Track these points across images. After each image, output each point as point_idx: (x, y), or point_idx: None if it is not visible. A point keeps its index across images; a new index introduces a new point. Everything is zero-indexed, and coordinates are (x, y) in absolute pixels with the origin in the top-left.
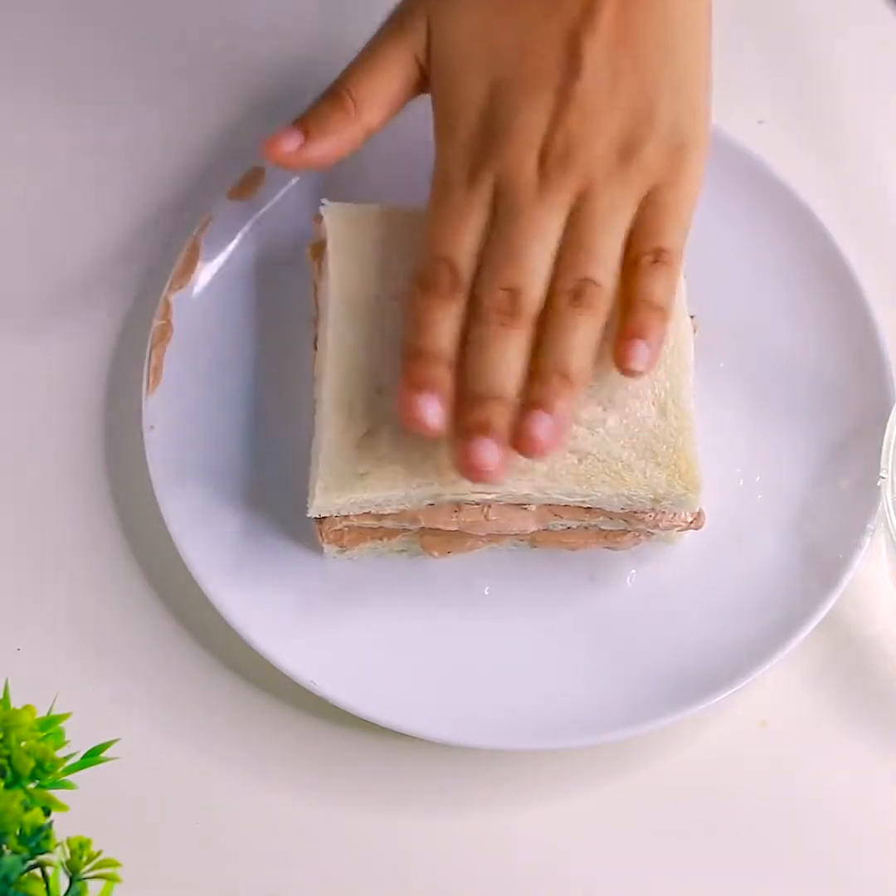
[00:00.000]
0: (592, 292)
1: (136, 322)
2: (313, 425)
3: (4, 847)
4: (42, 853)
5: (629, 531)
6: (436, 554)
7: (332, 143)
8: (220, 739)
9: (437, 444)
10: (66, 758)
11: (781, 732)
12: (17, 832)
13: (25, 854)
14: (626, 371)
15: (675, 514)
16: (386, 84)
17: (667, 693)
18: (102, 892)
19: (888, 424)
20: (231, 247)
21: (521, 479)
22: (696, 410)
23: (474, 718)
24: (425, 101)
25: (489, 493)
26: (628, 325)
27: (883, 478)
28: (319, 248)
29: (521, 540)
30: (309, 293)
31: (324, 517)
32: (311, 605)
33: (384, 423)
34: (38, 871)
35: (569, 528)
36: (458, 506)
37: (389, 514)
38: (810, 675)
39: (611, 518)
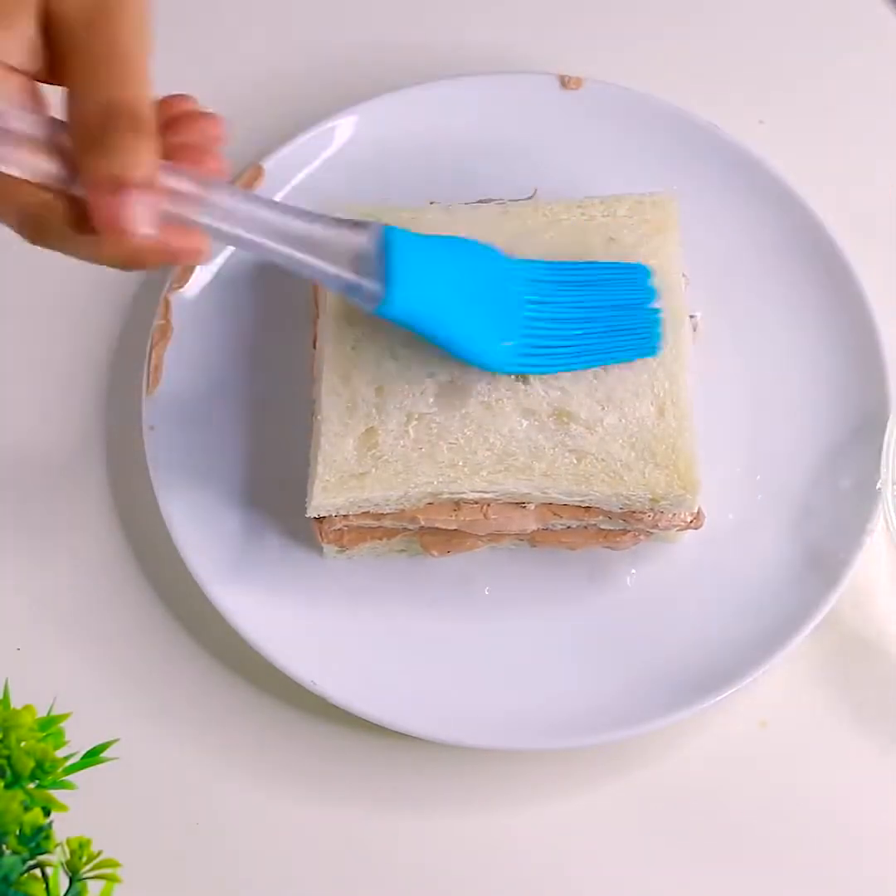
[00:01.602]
0: None
1: (136, 322)
2: (312, 425)
3: (4, 847)
4: (42, 853)
5: (628, 531)
6: (435, 553)
7: None
8: (220, 739)
9: (434, 443)
10: (66, 758)
11: (781, 732)
12: (17, 832)
13: (25, 854)
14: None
15: (674, 514)
16: None
17: (667, 693)
18: (102, 892)
19: (888, 425)
20: (231, 247)
21: (519, 478)
22: (695, 410)
23: (474, 718)
24: (424, 99)
25: (488, 492)
26: None
27: (882, 478)
28: None
29: (521, 539)
30: (308, 293)
31: (323, 517)
32: (311, 605)
33: (383, 422)
34: (38, 871)
35: (568, 527)
36: (457, 504)
37: (389, 514)
38: (810, 675)
39: (610, 517)
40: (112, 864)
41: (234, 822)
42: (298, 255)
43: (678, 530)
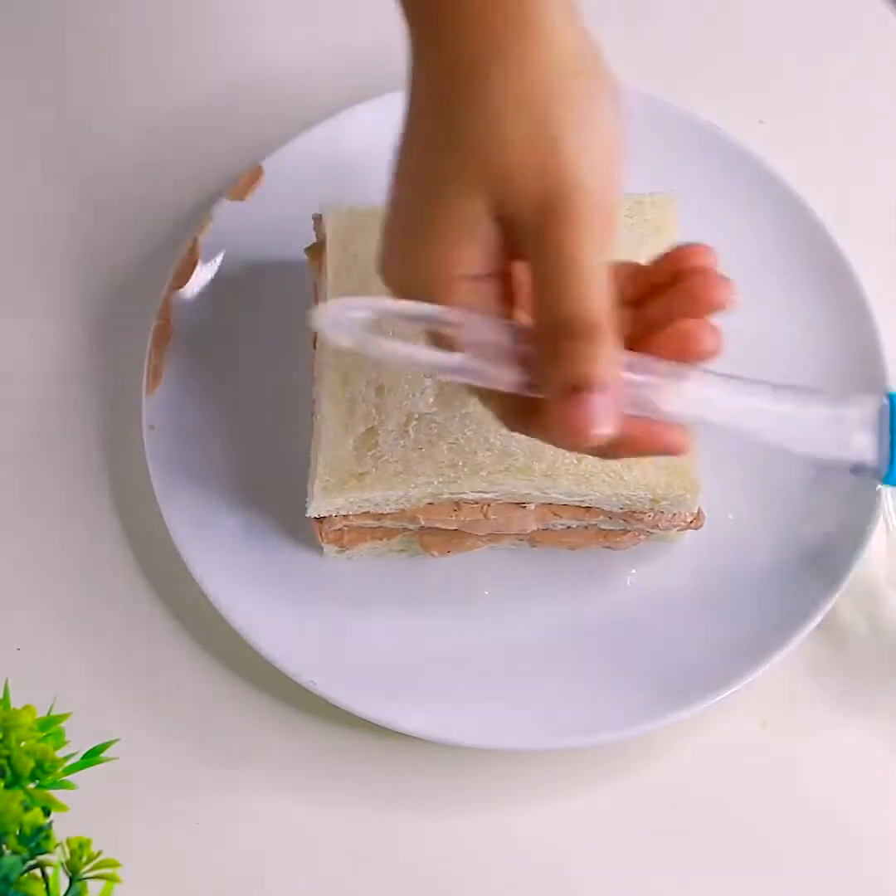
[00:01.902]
0: None
1: (136, 322)
2: (313, 425)
3: (4, 847)
4: (42, 853)
5: (629, 531)
6: (435, 553)
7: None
8: (220, 739)
9: (434, 443)
10: (66, 758)
11: (781, 732)
12: (17, 832)
13: (25, 854)
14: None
15: (674, 514)
16: None
17: (666, 693)
18: (102, 892)
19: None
20: (231, 247)
21: (519, 478)
22: None
23: (474, 718)
24: None
25: (488, 492)
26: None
27: None
28: (319, 249)
29: (521, 539)
30: (308, 293)
31: (323, 517)
32: (311, 604)
33: (383, 422)
34: (38, 872)
35: (568, 527)
36: (457, 504)
37: (389, 514)
38: (810, 675)
39: (610, 518)
40: (112, 864)
41: (234, 822)
42: (787, 442)
43: (678, 530)
